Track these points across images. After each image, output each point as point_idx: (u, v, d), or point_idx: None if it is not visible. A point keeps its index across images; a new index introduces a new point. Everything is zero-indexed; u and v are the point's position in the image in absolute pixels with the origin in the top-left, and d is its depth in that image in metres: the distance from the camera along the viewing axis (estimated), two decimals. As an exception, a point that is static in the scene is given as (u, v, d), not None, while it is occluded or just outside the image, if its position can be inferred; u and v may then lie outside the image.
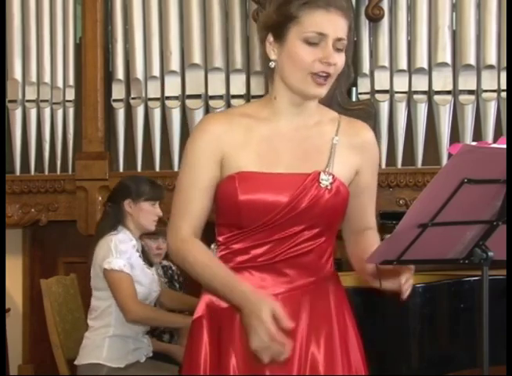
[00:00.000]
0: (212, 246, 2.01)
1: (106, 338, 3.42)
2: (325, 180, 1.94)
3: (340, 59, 1.95)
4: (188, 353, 2.01)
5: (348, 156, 2.01)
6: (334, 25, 1.92)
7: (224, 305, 1.96)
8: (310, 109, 2.03)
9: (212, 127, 1.98)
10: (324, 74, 1.93)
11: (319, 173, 1.95)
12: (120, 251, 3.37)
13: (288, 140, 1.99)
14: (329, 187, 1.94)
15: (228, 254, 1.98)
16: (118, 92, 4.83)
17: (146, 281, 3.47)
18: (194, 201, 1.97)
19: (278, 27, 1.95)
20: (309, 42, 1.92)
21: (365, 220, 2.08)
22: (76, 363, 3.52)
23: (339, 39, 1.93)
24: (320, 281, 2.00)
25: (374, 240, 2.05)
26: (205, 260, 1.94)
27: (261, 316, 1.80)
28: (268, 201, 1.91)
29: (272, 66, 1.98)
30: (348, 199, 2.00)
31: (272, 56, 1.97)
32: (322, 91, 1.97)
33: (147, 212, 3.51)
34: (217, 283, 1.92)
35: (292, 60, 1.94)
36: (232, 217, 1.96)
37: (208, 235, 2.07)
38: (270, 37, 1.97)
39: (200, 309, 2.01)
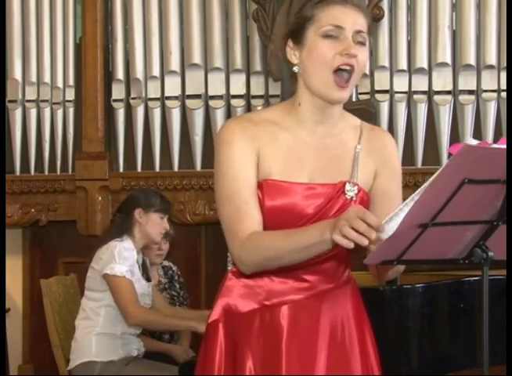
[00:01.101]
0: (228, 254, 1.98)
1: (92, 336, 3.47)
2: (350, 191, 1.93)
3: (362, 54, 1.90)
4: (202, 356, 2.00)
5: (368, 163, 1.99)
6: (351, 18, 1.90)
7: (242, 309, 1.95)
8: (334, 116, 1.99)
9: (246, 131, 1.94)
10: (347, 68, 1.88)
11: (345, 183, 1.93)
12: (123, 258, 3.42)
13: (312, 149, 1.96)
14: (354, 198, 1.93)
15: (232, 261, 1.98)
16: (118, 92, 4.83)
17: (139, 291, 3.51)
18: (250, 201, 1.91)
19: (296, 30, 1.94)
20: (327, 36, 1.89)
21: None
22: (69, 368, 3.54)
23: (358, 31, 1.90)
24: (339, 287, 2.00)
25: None
26: (274, 233, 1.88)
27: (344, 216, 1.73)
28: (294, 211, 1.90)
29: (296, 70, 1.95)
30: (369, 206, 1.97)
31: (294, 61, 1.95)
32: (344, 94, 1.91)
33: (156, 224, 3.60)
34: (307, 234, 1.82)
35: (313, 58, 1.91)
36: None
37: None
38: (290, 43, 1.96)
39: (215, 313, 1.99)
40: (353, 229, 1.68)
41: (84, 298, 3.57)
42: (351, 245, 1.69)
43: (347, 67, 1.89)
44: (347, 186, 1.93)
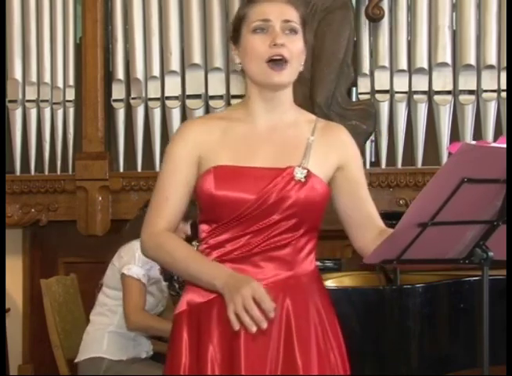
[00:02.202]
0: (193, 243, 2.07)
1: (105, 332, 3.47)
2: (299, 173, 1.98)
3: (292, 42, 2.00)
4: (169, 349, 2.05)
5: (325, 155, 2.05)
6: (278, 10, 2.01)
7: (202, 299, 1.99)
8: (283, 105, 2.08)
9: (189, 131, 2.07)
10: (277, 58, 1.98)
11: (294, 168, 1.99)
12: (143, 261, 3.41)
13: (264, 138, 2.05)
14: (302, 180, 1.97)
15: (206, 249, 2.02)
16: (118, 92, 4.83)
17: (159, 295, 3.52)
18: (171, 199, 2.04)
19: (234, 31, 2.07)
20: (256, 30, 2.00)
21: (371, 212, 2.10)
22: (76, 359, 3.54)
23: (286, 21, 2.00)
24: (300, 278, 2.01)
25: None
26: (185, 246, 2.01)
27: (241, 291, 1.82)
28: (241, 194, 1.97)
29: (239, 69, 2.08)
30: (328, 196, 2.04)
31: (237, 60, 2.07)
32: (282, 78, 2.01)
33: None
34: (199, 265, 1.95)
35: (248, 54, 2.02)
36: (209, 211, 2.02)
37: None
38: (232, 45, 2.09)
39: (180, 305, 2.05)
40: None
41: (102, 293, 3.57)
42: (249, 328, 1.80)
43: (278, 57, 1.99)
44: (296, 170, 1.98)
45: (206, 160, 2.02)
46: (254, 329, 1.80)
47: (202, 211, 2.05)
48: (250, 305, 1.79)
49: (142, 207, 3.71)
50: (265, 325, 1.80)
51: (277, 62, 1.99)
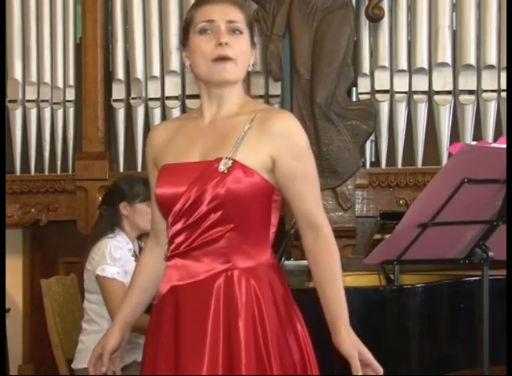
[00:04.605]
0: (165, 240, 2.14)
1: (98, 340, 3.43)
2: (222, 165, 1.99)
3: (236, 41, 2.04)
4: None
5: (260, 143, 2.02)
6: (222, 11, 2.06)
7: (162, 291, 2.08)
8: (229, 101, 2.10)
9: (149, 138, 2.19)
10: (222, 57, 2.02)
11: (221, 159, 2.00)
12: (114, 258, 3.36)
13: (204, 132, 2.09)
14: (225, 171, 1.98)
15: (167, 243, 2.10)
16: (118, 92, 4.83)
17: None
18: (152, 208, 2.20)
19: (183, 35, 2.13)
20: (202, 31, 2.05)
21: (307, 210, 2.05)
22: (73, 366, 3.52)
23: (230, 21, 2.05)
24: (242, 271, 2.02)
25: (324, 255, 2.02)
26: (133, 275, 2.26)
27: (97, 346, 2.23)
28: (172, 191, 2.03)
29: (190, 70, 2.12)
30: (262, 188, 2.01)
31: (187, 63, 2.12)
32: (227, 75, 2.04)
33: (143, 213, 3.47)
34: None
35: (195, 55, 2.06)
36: (160, 209, 2.14)
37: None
38: (182, 48, 2.15)
39: (156, 298, 2.14)
40: None
41: (85, 300, 3.53)
42: None
43: (223, 56, 2.02)
44: (222, 161, 1.99)
45: (158, 162, 2.12)
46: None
47: None
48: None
49: (100, 205, 3.69)
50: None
51: (221, 62, 2.03)
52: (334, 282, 1.99)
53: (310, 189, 2.05)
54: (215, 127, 2.08)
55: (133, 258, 3.48)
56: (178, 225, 2.03)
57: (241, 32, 2.06)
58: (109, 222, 3.49)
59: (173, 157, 2.08)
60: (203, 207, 1.99)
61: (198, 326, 1.97)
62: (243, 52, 2.06)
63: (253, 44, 2.13)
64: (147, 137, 2.22)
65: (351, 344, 1.93)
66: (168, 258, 2.08)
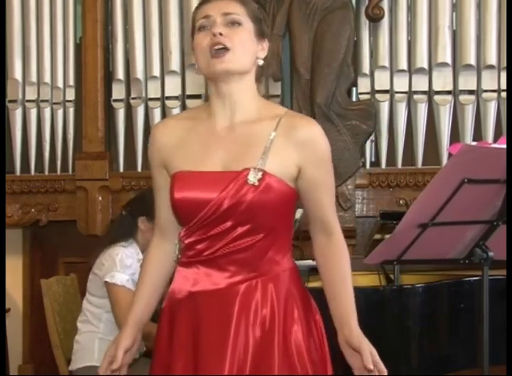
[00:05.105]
0: (175, 241, 2.10)
1: (95, 339, 3.44)
2: (252, 177, 1.96)
3: (234, 32, 2.01)
4: (155, 341, 2.15)
5: (286, 152, 2.00)
6: (218, 5, 2.04)
7: (178, 296, 2.06)
8: (244, 104, 2.06)
9: (154, 135, 2.13)
10: (218, 47, 1.99)
11: (249, 170, 1.96)
12: (124, 266, 3.38)
13: (222, 138, 2.03)
14: (256, 184, 1.95)
15: (183, 249, 2.06)
16: (118, 92, 4.83)
17: None
18: (157, 204, 2.16)
19: (191, 36, 2.10)
20: (200, 29, 2.05)
21: (323, 217, 2.07)
22: (70, 368, 3.53)
23: (226, 14, 2.02)
24: (267, 278, 2.02)
25: (337, 259, 2.07)
26: (141, 273, 2.19)
27: (111, 348, 2.14)
28: (198, 199, 1.98)
29: (196, 69, 2.09)
30: (291, 196, 2.01)
31: (192, 61, 2.12)
32: (224, 64, 2.00)
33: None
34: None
35: (196, 51, 2.05)
36: (176, 215, 2.08)
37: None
38: (192, 53, 2.11)
39: (165, 301, 2.13)
40: None
41: (85, 300, 3.53)
42: None
43: (219, 46, 1.99)
44: (251, 172, 1.96)
45: (169, 163, 2.07)
46: None
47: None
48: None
49: (124, 206, 3.68)
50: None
51: (218, 50, 1.99)
52: (346, 283, 2.05)
53: (328, 197, 2.07)
54: (234, 133, 2.03)
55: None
56: (201, 233, 2.00)
57: (240, 24, 2.03)
58: (127, 231, 3.50)
59: (188, 163, 2.02)
60: (230, 221, 1.96)
61: (220, 333, 1.96)
62: (242, 42, 2.02)
63: (261, 37, 2.09)
64: (150, 136, 2.17)
65: (361, 337, 1.96)
66: (186, 264, 2.05)
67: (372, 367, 1.91)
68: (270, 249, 2.02)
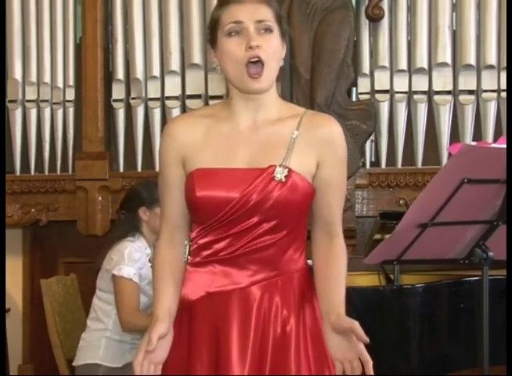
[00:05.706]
0: (185, 242, 2.07)
1: (102, 338, 3.44)
2: (279, 173, 1.96)
3: (267, 41, 1.97)
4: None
5: (308, 150, 2.01)
6: (249, 10, 1.98)
7: (192, 297, 2.02)
8: (267, 104, 2.04)
9: (172, 131, 2.07)
10: (254, 60, 1.96)
11: (275, 167, 1.96)
12: (132, 260, 3.38)
13: (246, 137, 2.03)
14: (283, 180, 1.95)
15: (195, 250, 2.03)
16: (118, 92, 4.83)
17: (150, 293, 3.48)
18: (167, 203, 2.09)
19: (210, 35, 2.05)
20: (231, 33, 1.99)
21: (329, 218, 2.07)
22: (74, 364, 3.53)
23: (259, 21, 1.98)
24: (286, 277, 2.02)
25: (336, 261, 2.05)
26: (157, 272, 2.08)
27: (141, 342, 1.98)
28: (222, 196, 1.96)
29: (219, 71, 2.06)
30: (311, 194, 2.01)
31: (215, 63, 2.07)
32: (261, 84, 1.97)
33: (155, 214, 3.49)
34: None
35: (225, 58, 2.00)
36: (193, 213, 2.03)
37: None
38: (209, 48, 2.08)
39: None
40: None
41: (95, 297, 3.53)
42: None
43: (255, 59, 1.95)
44: (277, 169, 1.96)
45: (188, 160, 2.03)
46: None
47: (189, 212, 2.06)
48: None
49: (118, 209, 3.70)
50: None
51: (254, 65, 1.96)
52: (339, 282, 2.03)
53: (338, 199, 2.07)
54: (258, 133, 2.02)
55: (149, 264, 3.49)
56: (221, 231, 1.98)
57: (271, 30, 1.99)
58: (130, 227, 3.51)
59: (211, 161, 1.99)
60: (257, 217, 1.95)
61: (242, 333, 1.94)
62: (274, 51, 1.99)
63: (284, 37, 2.05)
64: (164, 132, 2.10)
65: (350, 319, 1.94)
66: (200, 264, 2.02)
67: (367, 340, 1.89)
68: (290, 247, 2.02)
